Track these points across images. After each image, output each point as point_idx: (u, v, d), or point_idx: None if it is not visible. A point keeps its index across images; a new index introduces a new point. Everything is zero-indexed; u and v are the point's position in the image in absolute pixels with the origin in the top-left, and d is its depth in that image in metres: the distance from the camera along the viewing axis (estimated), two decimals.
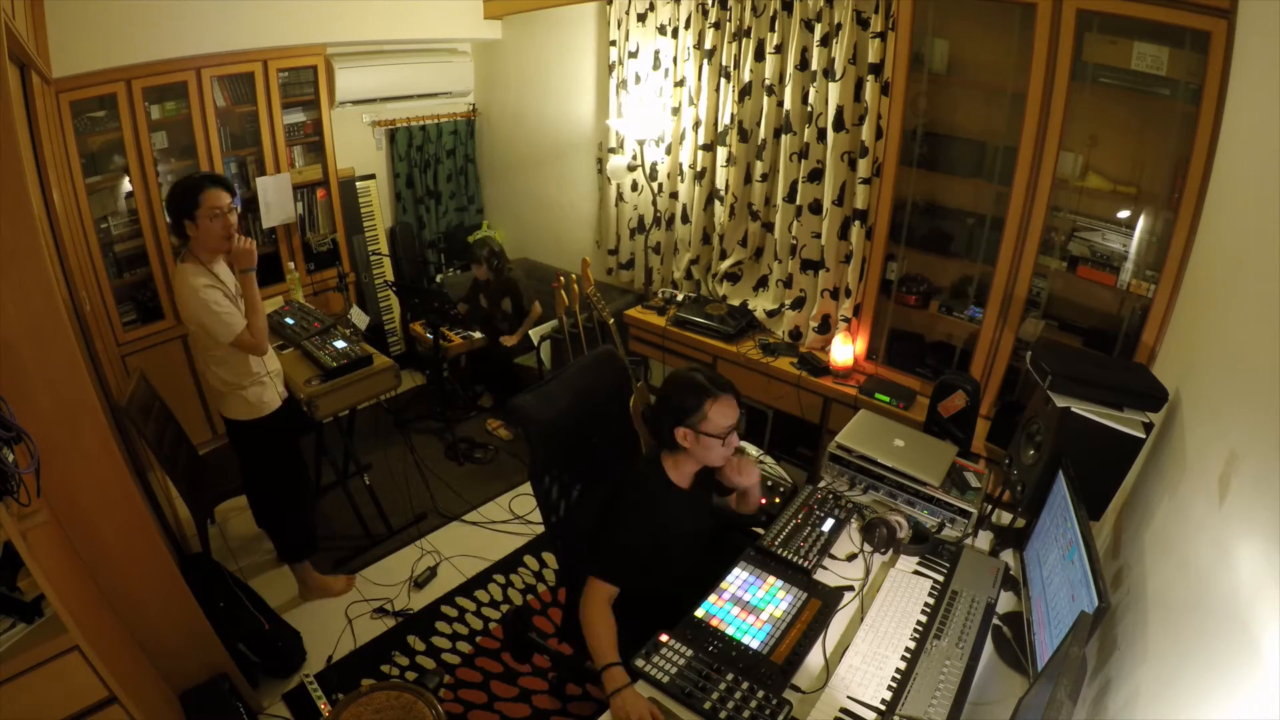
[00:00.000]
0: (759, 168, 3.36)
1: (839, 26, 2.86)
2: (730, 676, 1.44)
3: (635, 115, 3.74)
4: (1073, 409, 1.64)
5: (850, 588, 1.74)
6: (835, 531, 1.91)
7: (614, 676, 1.49)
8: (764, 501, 2.70)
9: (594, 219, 4.40)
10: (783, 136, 3.22)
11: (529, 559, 3.05)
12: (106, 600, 1.86)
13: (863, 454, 2.08)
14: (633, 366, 3.40)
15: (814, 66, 3.01)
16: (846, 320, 3.17)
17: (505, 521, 3.28)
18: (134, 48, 3.06)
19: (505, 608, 2.78)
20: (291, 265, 3.91)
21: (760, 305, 3.59)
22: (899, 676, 1.46)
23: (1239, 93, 1.85)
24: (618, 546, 1.71)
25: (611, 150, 3.98)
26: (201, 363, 2.42)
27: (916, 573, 1.76)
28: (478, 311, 4.19)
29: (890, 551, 1.86)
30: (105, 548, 1.84)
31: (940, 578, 1.73)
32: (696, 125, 3.58)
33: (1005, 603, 1.69)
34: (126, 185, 3.32)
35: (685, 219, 3.79)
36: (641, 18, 3.63)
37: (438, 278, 4.66)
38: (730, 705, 1.38)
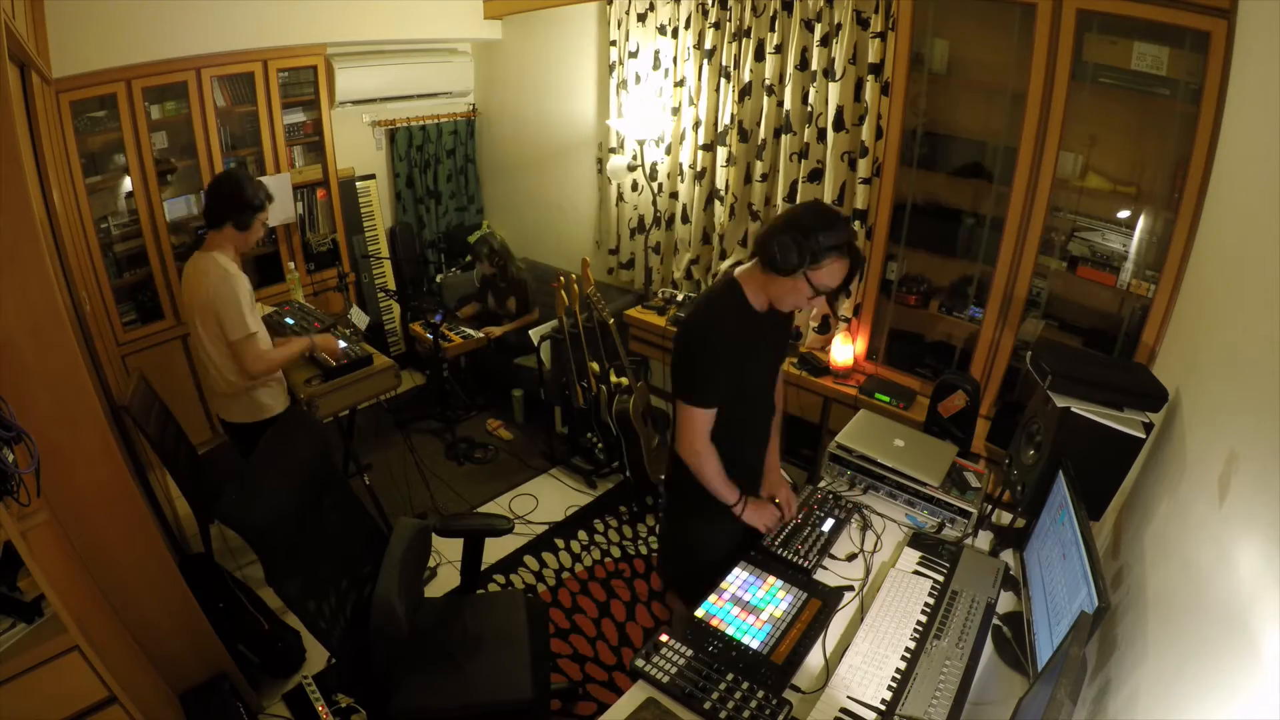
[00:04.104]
0: (759, 168, 3.36)
1: (839, 26, 2.86)
2: (730, 676, 1.44)
3: (635, 115, 3.74)
4: (1073, 409, 1.64)
5: (850, 588, 1.74)
6: (835, 531, 1.91)
7: (739, 505, 1.79)
8: None
9: (594, 219, 4.40)
10: (783, 136, 3.23)
11: (529, 559, 3.05)
12: (106, 600, 1.86)
13: (863, 454, 2.08)
14: (633, 366, 3.40)
15: (814, 66, 3.01)
16: (846, 320, 3.18)
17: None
18: (134, 48, 3.06)
19: None
20: (291, 265, 3.91)
21: None
22: (899, 676, 1.46)
23: (1239, 93, 1.85)
24: (703, 369, 1.67)
25: (611, 150, 3.98)
26: (205, 361, 2.42)
27: (916, 573, 1.76)
28: (486, 311, 4.18)
29: None
30: (105, 548, 1.84)
31: (940, 578, 1.73)
32: (696, 125, 3.58)
33: (1005, 603, 1.69)
34: (126, 185, 3.32)
35: (685, 219, 3.79)
36: (641, 18, 3.63)
37: (438, 278, 4.66)
38: (730, 705, 1.38)
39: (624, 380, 3.33)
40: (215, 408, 2.58)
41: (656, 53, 3.63)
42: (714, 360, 1.65)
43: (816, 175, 3.16)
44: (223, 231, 2.33)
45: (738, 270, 1.72)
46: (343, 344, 2.95)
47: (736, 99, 3.34)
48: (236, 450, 2.64)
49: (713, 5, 3.29)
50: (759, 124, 3.30)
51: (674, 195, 3.82)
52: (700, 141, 3.59)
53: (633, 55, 3.72)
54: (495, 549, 3.06)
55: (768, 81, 3.18)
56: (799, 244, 1.52)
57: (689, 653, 1.50)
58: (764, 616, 1.61)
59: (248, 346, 2.32)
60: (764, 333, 1.74)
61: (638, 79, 3.74)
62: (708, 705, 1.38)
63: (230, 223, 2.31)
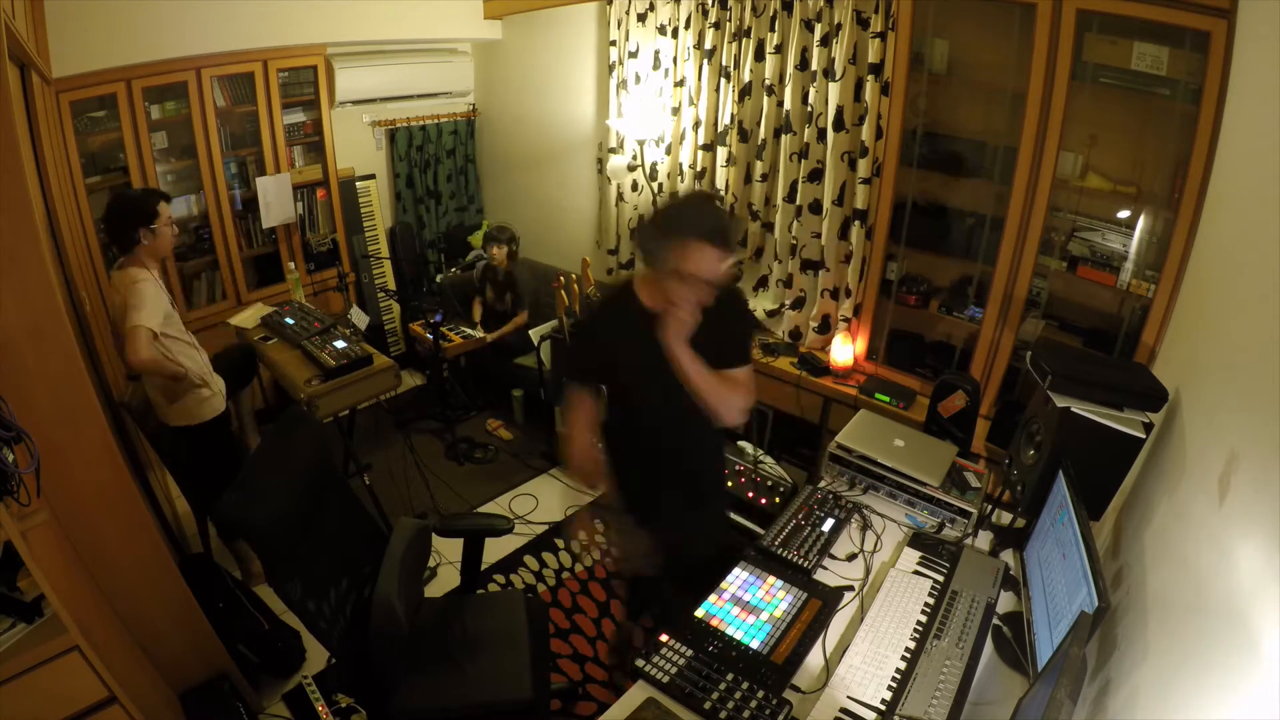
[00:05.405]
0: (759, 168, 3.36)
1: (839, 26, 2.86)
2: (730, 676, 1.44)
3: (635, 115, 3.74)
4: (1073, 409, 1.64)
5: (850, 588, 1.74)
6: (835, 531, 1.91)
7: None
8: (764, 502, 2.70)
9: (594, 219, 4.40)
10: (783, 136, 3.23)
11: (529, 559, 3.05)
12: (106, 600, 1.86)
13: (863, 454, 2.08)
14: None
15: (814, 66, 3.01)
16: (846, 320, 3.17)
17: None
18: (134, 48, 3.06)
19: None
20: (291, 265, 3.91)
21: (760, 305, 3.59)
22: (899, 676, 1.46)
23: (1239, 93, 1.85)
24: (578, 349, 1.69)
25: (611, 150, 3.98)
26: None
27: (916, 573, 1.76)
28: (489, 307, 4.17)
29: None
30: (105, 548, 1.84)
31: (940, 578, 1.73)
32: (696, 125, 3.58)
33: (1005, 603, 1.69)
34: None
35: None
36: (641, 18, 3.63)
37: (438, 278, 4.67)
38: (730, 705, 1.38)
39: None
40: (160, 416, 2.59)
41: (656, 53, 3.63)
42: (583, 347, 1.70)
43: (816, 175, 3.16)
44: (134, 253, 2.37)
45: (637, 271, 1.73)
46: (340, 344, 2.95)
47: (736, 99, 3.34)
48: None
49: (713, 5, 3.29)
50: (759, 124, 3.30)
51: (674, 195, 3.82)
52: (700, 141, 3.59)
53: (633, 55, 3.72)
54: (495, 549, 3.06)
55: (768, 81, 3.18)
56: (659, 229, 1.55)
57: (689, 653, 1.50)
58: (764, 616, 1.61)
59: (132, 335, 2.28)
60: (651, 332, 1.62)
61: (638, 79, 3.74)
62: (708, 705, 1.38)
63: (140, 231, 2.34)
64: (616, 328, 1.67)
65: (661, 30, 3.57)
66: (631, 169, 3.90)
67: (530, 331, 3.69)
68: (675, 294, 1.55)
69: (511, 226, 4.06)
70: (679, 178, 3.76)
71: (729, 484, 2.72)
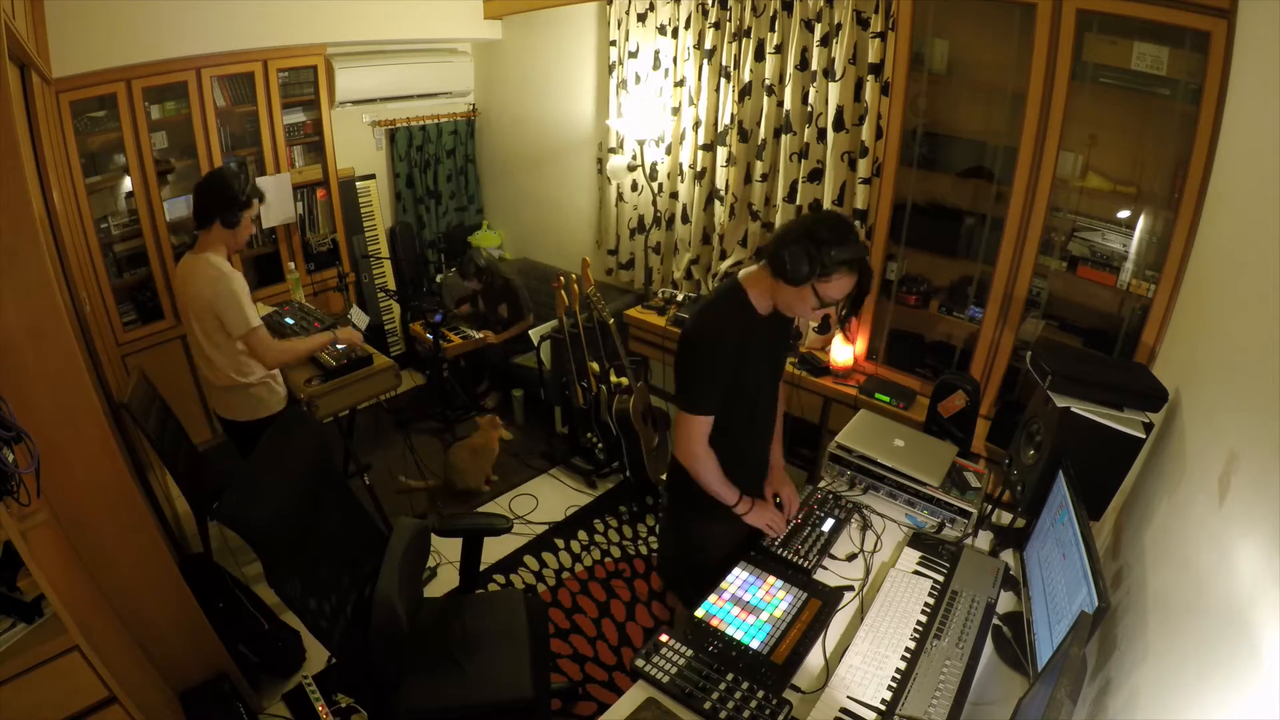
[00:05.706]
0: (759, 168, 3.36)
1: (839, 26, 2.86)
2: (730, 676, 1.44)
3: (635, 115, 3.74)
4: (1073, 409, 1.64)
5: (850, 588, 1.74)
6: (835, 531, 1.91)
7: (743, 505, 1.80)
8: None
9: (594, 219, 4.40)
10: (783, 136, 3.23)
11: (529, 559, 3.05)
12: (106, 600, 1.86)
13: (863, 454, 2.08)
14: (633, 366, 3.40)
15: (814, 66, 3.01)
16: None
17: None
18: (134, 48, 3.06)
19: None
20: (291, 265, 3.91)
21: None
22: (899, 676, 1.46)
23: (1239, 93, 1.85)
24: (703, 376, 1.65)
25: (611, 150, 3.98)
26: (204, 359, 2.42)
27: (916, 573, 1.76)
28: (478, 314, 4.21)
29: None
30: (105, 548, 1.84)
31: (940, 578, 1.73)
32: (696, 125, 3.58)
33: (1005, 603, 1.69)
34: (126, 185, 3.32)
35: (685, 219, 3.79)
36: (641, 18, 3.63)
37: (438, 278, 4.67)
38: (730, 705, 1.38)
39: (624, 380, 3.33)
40: (214, 405, 2.60)
41: (656, 53, 3.63)
42: (712, 367, 1.65)
43: (816, 175, 3.16)
44: (211, 231, 2.30)
45: (742, 273, 1.71)
46: (340, 344, 2.95)
47: (736, 99, 3.34)
48: (236, 450, 2.64)
49: (713, 5, 3.29)
50: (759, 124, 3.30)
51: (674, 195, 3.82)
52: (700, 141, 3.59)
53: (633, 55, 3.72)
54: (495, 549, 3.06)
55: (768, 81, 3.18)
56: (810, 255, 1.51)
57: (689, 653, 1.50)
58: (764, 616, 1.61)
59: (256, 340, 2.33)
60: (765, 335, 1.73)
61: (638, 79, 3.74)
62: (708, 705, 1.38)
63: (217, 220, 2.28)
64: (742, 330, 1.67)
65: (661, 30, 3.57)
66: (631, 169, 3.90)
67: (530, 331, 3.69)
68: (797, 309, 1.65)
69: (477, 254, 4.02)
70: (679, 178, 3.76)
71: None
